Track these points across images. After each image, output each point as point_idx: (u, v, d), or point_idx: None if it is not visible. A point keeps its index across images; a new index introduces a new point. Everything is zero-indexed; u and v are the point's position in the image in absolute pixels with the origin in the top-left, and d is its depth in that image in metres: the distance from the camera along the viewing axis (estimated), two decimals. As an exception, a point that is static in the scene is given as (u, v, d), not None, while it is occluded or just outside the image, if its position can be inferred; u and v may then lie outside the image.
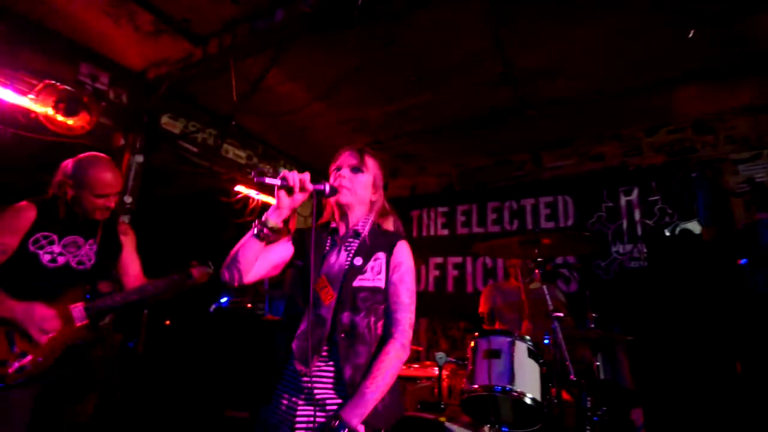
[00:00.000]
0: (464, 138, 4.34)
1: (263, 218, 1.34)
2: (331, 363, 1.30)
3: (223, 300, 4.07)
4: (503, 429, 2.12)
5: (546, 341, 2.09)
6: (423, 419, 1.95)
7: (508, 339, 2.14)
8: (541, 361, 2.17)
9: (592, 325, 2.31)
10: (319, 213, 1.56)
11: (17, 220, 1.83)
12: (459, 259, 4.66)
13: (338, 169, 1.51)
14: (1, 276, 1.77)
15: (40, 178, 2.08)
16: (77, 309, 1.85)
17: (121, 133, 3.30)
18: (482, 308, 3.28)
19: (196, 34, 2.93)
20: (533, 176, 4.53)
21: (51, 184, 1.96)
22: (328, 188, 1.38)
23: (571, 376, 1.83)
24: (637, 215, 3.92)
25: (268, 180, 1.26)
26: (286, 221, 1.39)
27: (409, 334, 1.36)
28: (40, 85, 2.74)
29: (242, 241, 1.35)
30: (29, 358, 1.72)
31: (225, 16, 2.76)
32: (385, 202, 1.58)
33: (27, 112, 2.75)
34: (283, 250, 1.48)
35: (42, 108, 2.76)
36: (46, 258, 1.85)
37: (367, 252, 1.42)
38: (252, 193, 4.49)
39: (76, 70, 3.03)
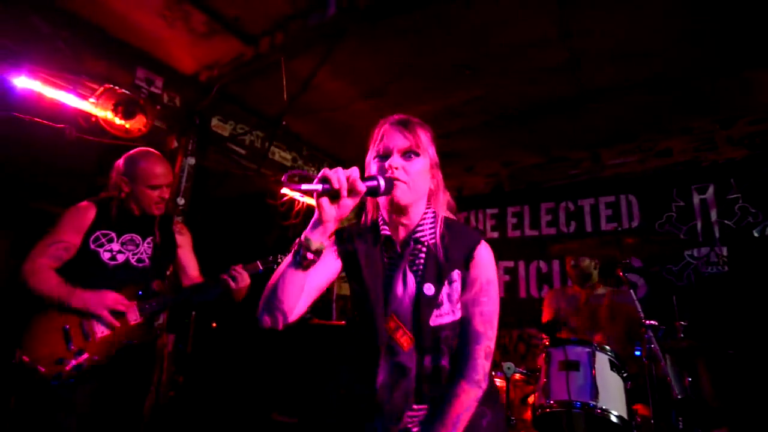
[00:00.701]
0: (516, 134, 4.12)
1: (302, 238, 1.03)
2: (420, 409, 1.11)
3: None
4: (583, 449, 1.91)
5: (637, 353, 1.85)
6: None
7: (587, 349, 1.94)
8: (624, 374, 1.94)
9: (681, 335, 2.06)
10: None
11: (79, 219, 1.88)
12: (510, 264, 4.43)
13: (385, 156, 1.14)
14: (66, 273, 1.80)
15: (96, 182, 2.11)
16: (131, 307, 1.84)
17: (175, 135, 3.34)
18: (546, 316, 3.03)
19: (248, 33, 2.91)
20: (591, 174, 4.25)
21: (108, 185, 2.00)
22: (383, 184, 1.06)
23: (675, 394, 1.59)
24: (713, 215, 3.56)
25: (304, 186, 0.95)
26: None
27: (485, 367, 1.11)
28: (101, 89, 2.80)
29: (278, 271, 1.07)
30: (85, 356, 1.72)
31: (277, 13, 2.71)
32: (441, 182, 1.25)
33: (88, 116, 2.82)
34: (328, 268, 1.20)
35: (102, 111, 2.82)
36: (106, 256, 1.88)
37: (438, 272, 1.12)
38: (296, 195, 4.47)
39: (133, 74, 3.08)
